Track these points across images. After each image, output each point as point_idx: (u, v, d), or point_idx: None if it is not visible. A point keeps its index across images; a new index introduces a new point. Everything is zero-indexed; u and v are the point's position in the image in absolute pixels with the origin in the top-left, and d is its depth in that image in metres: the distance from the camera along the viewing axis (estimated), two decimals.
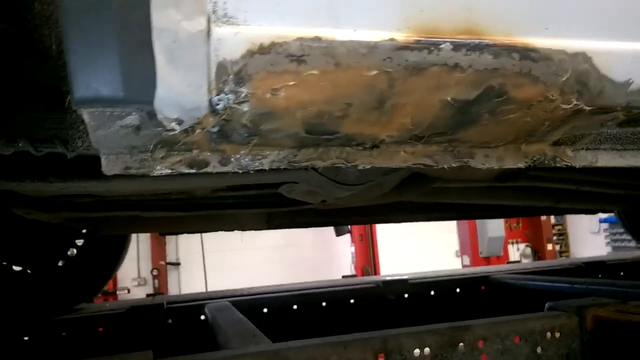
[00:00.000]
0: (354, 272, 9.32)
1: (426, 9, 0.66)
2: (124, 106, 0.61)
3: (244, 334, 1.45)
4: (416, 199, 1.76)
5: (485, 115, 0.75)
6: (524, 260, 10.33)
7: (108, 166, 0.71)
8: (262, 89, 0.64)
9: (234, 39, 0.61)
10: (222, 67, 0.62)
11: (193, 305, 2.45)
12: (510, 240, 10.15)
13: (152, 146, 0.70)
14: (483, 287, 2.93)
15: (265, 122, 0.69)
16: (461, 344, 1.27)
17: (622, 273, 3.15)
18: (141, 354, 1.20)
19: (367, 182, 1.14)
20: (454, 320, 1.37)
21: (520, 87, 0.71)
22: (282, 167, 0.78)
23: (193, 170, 0.74)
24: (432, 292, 2.80)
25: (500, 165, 0.85)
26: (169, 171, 0.73)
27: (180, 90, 0.61)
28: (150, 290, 9.83)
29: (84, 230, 2.36)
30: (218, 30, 0.61)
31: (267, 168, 0.77)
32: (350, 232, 9.17)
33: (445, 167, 0.83)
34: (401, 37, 0.65)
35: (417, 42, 0.65)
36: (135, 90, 0.59)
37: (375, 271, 9.34)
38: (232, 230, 2.02)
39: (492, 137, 0.82)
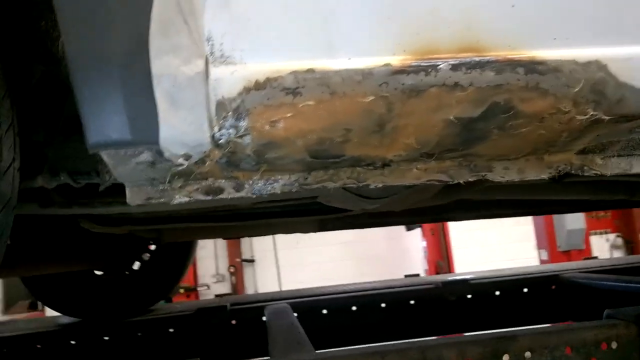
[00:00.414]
0: (426, 268, 9.15)
1: (422, 32, 0.65)
2: (134, 147, 0.66)
3: (290, 340, 1.49)
4: (476, 197, 1.69)
5: (494, 131, 0.72)
6: (615, 253, 9.56)
7: (132, 197, 0.77)
8: (260, 122, 0.67)
9: (231, 78, 0.64)
10: (221, 105, 0.65)
11: (255, 307, 2.54)
12: (596, 231, 9.43)
13: (169, 177, 0.75)
14: (554, 287, 2.76)
15: (269, 151, 0.72)
16: (506, 355, 1.22)
17: None
18: None
19: (392, 195, 1.13)
20: (521, 324, 1.30)
21: (528, 101, 0.68)
22: (294, 190, 0.80)
23: (210, 197, 0.79)
24: (497, 293, 2.69)
25: (521, 177, 0.82)
26: (188, 199, 0.78)
27: (183, 129, 0.66)
28: (229, 286, 10.28)
29: None
30: (216, 71, 0.64)
31: (279, 192, 0.79)
32: (420, 226, 9.00)
33: (461, 182, 0.81)
34: (396, 61, 0.65)
35: (413, 65, 0.65)
36: (141, 132, 0.65)
37: (449, 266, 9.10)
38: (286, 233, 2.08)
39: (506, 150, 0.78)
